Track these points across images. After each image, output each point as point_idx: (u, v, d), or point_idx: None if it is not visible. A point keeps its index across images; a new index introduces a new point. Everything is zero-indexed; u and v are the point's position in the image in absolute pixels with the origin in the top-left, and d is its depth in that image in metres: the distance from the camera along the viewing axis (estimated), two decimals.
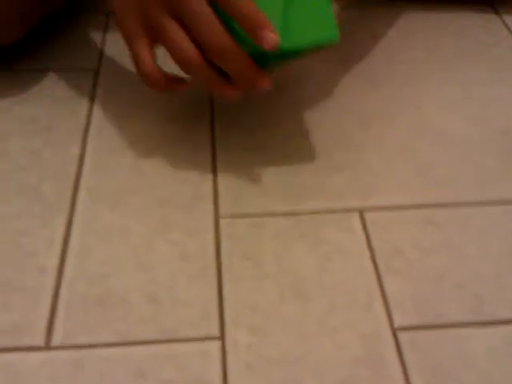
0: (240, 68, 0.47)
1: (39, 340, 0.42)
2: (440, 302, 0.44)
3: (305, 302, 0.44)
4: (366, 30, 0.70)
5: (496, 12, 0.73)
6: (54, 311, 0.43)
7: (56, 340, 0.42)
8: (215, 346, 0.42)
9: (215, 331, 0.42)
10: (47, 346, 0.41)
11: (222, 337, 0.42)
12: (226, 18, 0.47)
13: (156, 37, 0.49)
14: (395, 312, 0.44)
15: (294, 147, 0.56)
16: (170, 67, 0.57)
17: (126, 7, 0.49)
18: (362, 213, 0.50)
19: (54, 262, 0.46)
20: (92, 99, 0.61)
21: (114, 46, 0.68)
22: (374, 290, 0.45)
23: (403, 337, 0.42)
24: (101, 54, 0.67)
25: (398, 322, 0.43)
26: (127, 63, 0.65)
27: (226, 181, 0.53)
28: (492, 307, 0.44)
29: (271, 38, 0.45)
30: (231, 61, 0.47)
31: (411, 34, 0.70)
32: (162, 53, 0.61)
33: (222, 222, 0.50)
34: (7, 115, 0.59)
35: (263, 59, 0.48)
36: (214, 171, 0.54)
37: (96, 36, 0.69)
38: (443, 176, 0.53)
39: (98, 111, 0.59)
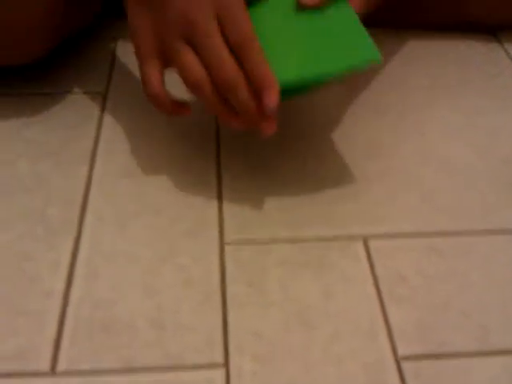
0: (245, 105, 0.48)
1: (44, 365, 0.42)
2: (444, 330, 0.44)
3: (309, 330, 0.44)
4: None
5: (498, 41, 0.73)
6: (59, 336, 0.43)
7: (61, 365, 0.42)
8: (220, 373, 0.42)
9: (220, 358, 0.43)
10: (53, 372, 0.41)
11: (226, 364, 0.42)
12: None
13: (168, 59, 0.50)
14: (399, 341, 0.44)
15: (299, 174, 0.56)
16: (181, 91, 0.58)
17: (141, 26, 0.50)
18: (366, 240, 0.51)
19: (59, 286, 0.47)
20: (100, 123, 0.61)
21: (122, 71, 0.68)
22: (377, 317, 0.45)
23: (407, 366, 0.42)
24: (109, 78, 0.67)
25: (401, 351, 0.43)
26: (135, 87, 0.66)
27: (231, 206, 0.53)
28: (497, 337, 0.44)
29: (271, 102, 0.46)
30: (236, 96, 0.47)
31: (415, 61, 0.71)
32: (174, 78, 0.62)
33: (227, 248, 0.50)
34: (15, 138, 0.59)
35: (286, 94, 0.48)
36: (220, 197, 0.54)
37: (104, 60, 0.70)
38: (447, 204, 0.54)
39: (105, 135, 0.60)
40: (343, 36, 0.48)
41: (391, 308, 0.46)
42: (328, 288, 0.47)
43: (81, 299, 0.46)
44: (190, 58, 0.48)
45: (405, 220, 0.52)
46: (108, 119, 0.62)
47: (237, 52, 0.47)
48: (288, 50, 0.48)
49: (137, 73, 0.68)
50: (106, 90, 0.66)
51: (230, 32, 0.47)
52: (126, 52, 0.71)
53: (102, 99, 0.64)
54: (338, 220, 0.52)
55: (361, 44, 0.47)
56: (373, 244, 0.50)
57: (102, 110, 0.63)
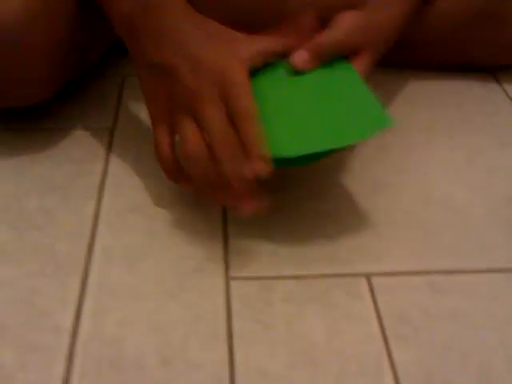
0: (226, 185, 0.48)
1: None
2: (446, 370, 0.45)
3: (315, 369, 0.45)
4: None
5: (497, 81, 0.75)
6: (68, 373, 0.44)
7: None
8: None
9: None
10: None
11: None
12: None
13: (175, 129, 0.52)
14: (403, 380, 0.44)
15: (304, 211, 0.57)
16: None
17: (152, 92, 0.52)
18: (369, 278, 0.52)
19: (68, 322, 0.47)
20: (107, 158, 0.63)
21: (129, 106, 0.70)
22: (382, 356, 0.46)
23: None
24: (116, 113, 0.69)
25: None
26: (142, 123, 0.67)
27: (236, 243, 0.54)
28: (498, 376, 0.45)
29: (257, 167, 0.47)
30: (222, 176, 0.48)
31: (415, 100, 0.72)
32: None
33: (233, 283, 0.51)
34: (23, 174, 0.60)
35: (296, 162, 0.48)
36: (225, 233, 0.55)
37: (111, 96, 0.71)
38: (449, 243, 0.55)
39: (112, 170, 0.61)
40: (350, 104, 0.46)
41: (395, 347, 0.46)
42: (333, 326, 0.48)
43: (89, 335, 0.46)
44: (190, 130, 0.49)
45: (408, 258, 0.53)
46: (115, 155, 0.63)
47: (236, 125, 0.48)
48: (292, 123, 0.47)
49: (144, 109, 0.69)
50: (113, 126, 0.67)
51: (231, 108, 0.48)
52: (132, 88, 0.73)
53: (110, 135, 0.66)
54: (342, 257, 0.53)
55: (370, 112, 0.45)
56: (376, 281, 0.51)
57: (110, 145, 0.64)
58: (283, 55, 0.52)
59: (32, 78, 0.58)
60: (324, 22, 0.55)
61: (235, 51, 0.50)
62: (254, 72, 0.50)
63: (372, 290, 0.51)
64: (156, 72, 0.51)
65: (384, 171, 0.62)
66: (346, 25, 0.54)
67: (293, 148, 0.45)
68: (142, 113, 0.69)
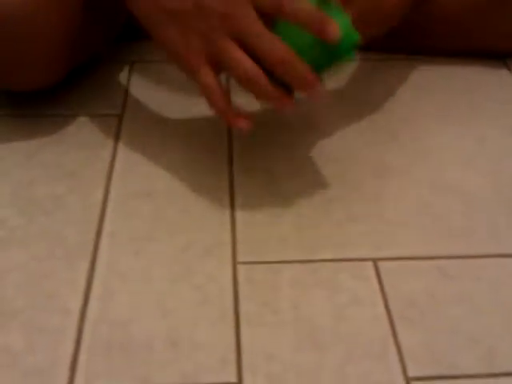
0: (301, 75, 0.49)
1: (62, 382, 0.43)
2: (453, 353, 0.45)
3: (321, 351, 0.45)
4: (382, 84, 0.72)
5: (508, 67, 0.75)
6: (76, 354, 0.44)
7: (78, 383, 0.43)
8: None
9: (233, 377, 0.43)
10: None
11: (239, 383, 0.43)
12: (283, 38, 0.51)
13: (218, 62, 0.51)
14: (409, 362, 0.44)
15: (311, 197, 0.57)
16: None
17: (178, 40, 0.51)
18: (375, 262, 0.52)
19: (77, 305, 0.48)
20: (115, 145, 0.63)
21: (138, 93, 0.70)
22: (388, 339, 0.46)
23: None
24: (124, 100, 0.69)
25: (411, 373, 0.44)
26: (150, 109, 0.68)
27: (244, 228, 0.54)
28: (504, 360, 0.45)
29: (334, 32, 0.49)
30: (293, 70, 0.49)
31: (425, 87, 0.72)
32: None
33: (240, 267, 0.51)
34: (32, 161, 0.61)
35: (319, 66, 0.51)
36: (233, 218, 0.55)
37: (120, 82, 0.71)
38: (457, 228, 0.55)
39: (121, 157, 0.61)
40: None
41: (401, 330, 0.47)
42: (339, 309, 0.48)
43: (97, 318, 0.47)
44: (240, 55, 0.49)
45: (415, 243, 0.53)
46: (124, 141, 0.63)
47: (287, 17, 0.49)
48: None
49: (152, 94, 0.70)
50: (122, 112, 0.67)
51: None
52: (141, 74, 0.73)
53: (118, 121, 0.66)
54: (349, 242, 0.53)
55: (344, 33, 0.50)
56: (382, 266, 0.51)
57: (118, 131, 0.65)
58: None
59: (39, 63, 0.59)
60: None
61: None
62: None
63: (379, 275, 0.51)
64: (176, 17, 0.51)
65: (393, 157, 0.62)
66: None
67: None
68: (151, 99, 0.69)
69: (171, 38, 0.52)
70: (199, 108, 0.68)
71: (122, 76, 0.73)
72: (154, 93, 0.70)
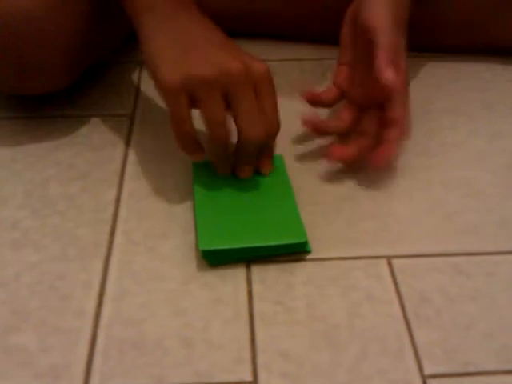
0: (254, 157, 0.53)
1: (77, 382, 0.43)
2: (468, 350, 0.45)
3: (336, 349, 0.45)
4: None
5: None
6: (91, 354, 0.44)
7: (93, 382, 0.43)
8: None
9: (248, 376, 0.43)
10: None
11: (254, 382, 0.43)
12: None
13: (195, 99, 0.51)
14: (425, 360, 0.44)
15: (323, 194, 0.57)
16: None
17: (170, 60, 0.51)
18: (389, 260, 0.51)
19: (90, 305, 0.48)
20: (127, 145, 0.63)
21: (148, 93, 0.70)
22: (403, 337, 0.46)
23: None
24: (135, 100, 0.69)
25: (427, 370, 0.44)
26: (161, 109, 0.68)
27: None
28: None
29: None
30: (254, 151, 0.52)
31: (437, 84, 0.72)
32: None
33: (253, 267, 0.51)
34: (45, 161, 0.61)
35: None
36: None
37: (130, 83, 0.72)
38: (470, 225, 0.54)
39: (133, 157, 0.61)
40: (277, 216, 0.52)
41: (417, 328, 0.46)
42: (353, 307, 0.48)
43: (112, 318, 0.47)
44: (220, 104, 0.50)
45: (428, 240, 0.53)
46: (135, 141, 0.63)
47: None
48: (222, 223, 0.52)
49: None
50: (133, 113, 0.67)
51: (265, 104, 0.52)
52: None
53: (129, 121, 0.66)
54: (361, 240, 0.53)
55: (290, 226, 0.52)
56: (396, 263, 0.51)
57: (129, 131, 0.65)
58: None
59: (51, 66, 0.59)
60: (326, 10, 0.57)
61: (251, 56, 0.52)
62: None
63: (393, 272, 0.50)
64: (180, 45, 0.51)
65: (405, 154, 0.62)
66: (383, 24, 0.55)
67: (215, 243, 0.50)
68: (161, 99, 0.69)
69: (160, 53, 0.51)
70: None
71: (133, 77, 0.73)
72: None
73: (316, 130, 0.59)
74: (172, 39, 0.52)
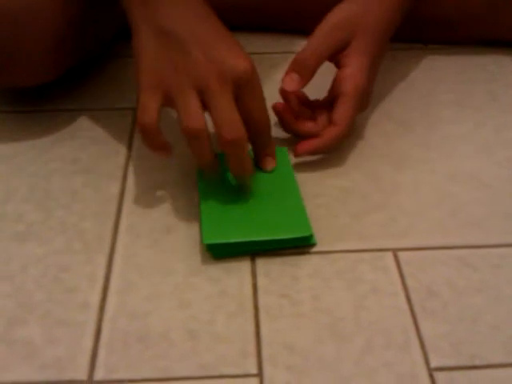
0: (242, 159, 0.50)
1: (82, 374, 0.43)
2: (475, 343, 0.45)
3: (342, 342, 0.45)
4: (398, 73, 0.72)
5: None
6: (96, 346, 0.44)
7: (98, 374, 0.43)
8: (253, 383, 0.42)
9: (253, 369, 0.43)
10: (90, 381, 0.42)
11: (260, 374, 0.43)
12: None
13: (170, 97, 0.50)
14: (431, 353, 0.44)
15: (328, 188, 0.57)
16: None
17: (150, 53, 0.50)
18: (395, 253, 0.51)
19: (95, 298, 0.48)
20: (131, 138, 0.63)
21: None
22: (409, 330, 0.45)
23: (440, 377, 0.43)
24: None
25: (434, 363, 0.43)
26: None
27: None
28: None
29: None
30: (238, 154, 0.50)
31: (442, 76, 0.71)
32: None
33: (258, 260, 0.51)
34: (48, 155, 0.61)
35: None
36: None
37: (133, 77, 0.71)
38: (477, 218, 0.54)
39: (136, 150, 0.61)
40: (282, 210, 0.52)
41: (423, 320, 0.46)
42: (359, 300, 0.47)
43: (116, 311, 0.47)
44: (194, 106, 0.49)
45: (434, 232, 0.53)
46: (139, 135, 0.63)
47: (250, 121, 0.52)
48: (226, 217, 0.51)
49: None
50: (136, 106, 0.67)
51: (248, 104, 0.51)
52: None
53: (133, 115, 0.66)
54: (367, 233, 0.53)
55: (295, 219, 0.51)
56: (402, 256, 0.51)
57: (133, 125, 0.65)
58: None
59: (40, 56, 0.58)
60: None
61: (246, 55, 0.51)
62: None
63: (399, 265, 0.50)
64: (164, 40, 0.50)
65: (410, 147, 0.62)
66: (324, 28, 0.57)
67: (219, 237, 0.50)
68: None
69: (148, 50, 0.51)
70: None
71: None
72: None
73: (286, 126, 0.59)
74: (155, 33, 0.51)
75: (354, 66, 0.56)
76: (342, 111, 0.56)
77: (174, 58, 0.50)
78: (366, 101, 0.59)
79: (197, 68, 0.49)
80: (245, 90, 0.50)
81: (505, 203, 0.55)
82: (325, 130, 0.57)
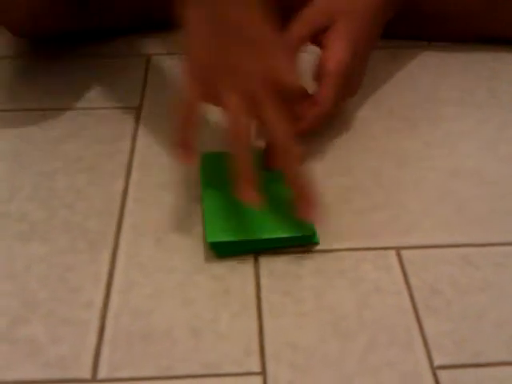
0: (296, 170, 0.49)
1: (86, 373, 0.43)
2: (478, 341, 0.45)
3: (345, 340, 0.45)
4: (401, 70, 0.72)
5: None
6: (99, 345, 0.44)
7: (102, 373, 0.43)
8: (257, 381, 0.42)
9: (256, 367, 0.43)
10: (93, 379, 0.42)
11: (263, 372, 0.43)
12: None
13: (214, 96, 0.49)
14: (434, 351, 0.44)
15: (330, 186, 0.57)
16: None
17: (203, 47, 0.49)
18: (398, 251, 0.51)
19: (99, 296, 0.48)
20: (134, 137, 0.63)
21: (155, 85, 0.70)
22: (413, 328, 0.45)
23: (443, 375, 0.43)
24: (142, 92, 0.69)
25: (437, 361, 0.43)
26: (168, 102, 0.67)
27: None
28: None
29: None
30: (295, 164, 0.49)
31: (445, 74, 0.71)
32: None
33: (261, 258, 0.51)
34: (52, 154, 0.61)
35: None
36: None
37: (137, 75, 0.71)
38: (480, 215, 0.54)
39: (140, 149, 0.61)
40: (286, 209, 0.51)
41: (426, 318, 0.46)
42: (362, 298, 0.47)
43: (120, 309, 0.47)
44: (242, 108, 0.48)
45: (437, 231, 0.53)
46: (142, 133, 0.63)
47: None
48: (232, 216, 0.51)
49: (169, 87, 0.69)
50: (140, 105, 0.67)
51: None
52: (158, 67, 0.73)
53: (136, 114, 0.66)
54: (369, 231, 0.53)
55: (299, 220, 0.50)
56: (406, 254, 0.51)
57: (137, 124, 0.65)
58: None
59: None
60: None
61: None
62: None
63: (402, 263, 0.50)
64: (219, 28, 0.48)
65: (412, 144, 0.61)
66: (306, 11, 0.57)
67: (223, 236, 0.50)
68: (168, 91, 0.69)
69: (200, 39, 0.49)
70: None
71: (140, 69, 0.73)
72: (171, 85, 0.70)
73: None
74: (209, 25, 0.48)
75: (334, 48, 0.56)
76: (322, 90, 0.56)
77: (227, 51, 0.48)
78: (354, 86, 0.59)
79: (249, 73, 0.48)
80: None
81: (508, 200, 0.55)
82: (307, 110, 0.57)
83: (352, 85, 0.59)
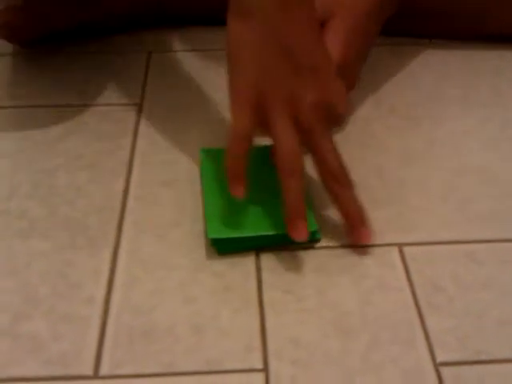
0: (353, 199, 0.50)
1: (87, 369, 0.43)
2: (481, 338, 0.44)
3: (347, 337, 0.44)
4: (403, 69, 0.72)
5: None
6: (101, 341, 0.44)
7: (104, 370, 0.43)
8: (259, 378, 0.42)
9: (258, 363, 0.43)
10: (95, 376, 0.42)
11: (265, 369, 0.43)
12: None
13: (265, 123, 0.48)
14: (437, 348, 0.44)
15: None
16: None
17: (253, 67, 0.46)
18: (401, 248, 0.51)
19: (100, 293, 0.47)
20: (135, 134, 0.63)
21: (156, 82, 0.70)
22: (415, 325, 0.45)
23: (445, 372, 0.42)
24: (143, 89, 0.69)
25: (440, 358, 0.43)
26: (169, 99, 0.67)
27: None
28: None
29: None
30: (343, 192, 0.49)
31: (448, 72, 0.71)
32: None
33: (263, 255, 0.51)
34: (52, 151, 0.61)
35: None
36: None
37: (138, 72, 0.71)
38: (483, 212, 0.54)
39: (141, 146, 0.61)
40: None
41: (428, 315, 0.46)
42: (365, 295, 0.47)
43: (121, 306, 0.47)
44: (295, 140, 0.47)
45: (440, 228, 0.52)
46: (143, 130, 0.63)
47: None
48: (233, 212, 0.51)
49: (170, 83, 0.69)
50: (141, 102, 0.67)
51: None
52: (159, 64, 0.73)
53: (137, 111, 0.66)
54: (373, 228, 0.52)
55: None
56: (408, 251, 0.51)
57: (138, 121, 0.64)
58: None
59: None
60: None
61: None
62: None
63: (404, 260, 0.50)
64: (271, 36, 0.46)
65: (415, 142, 0.61)
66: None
67: (224, 232, 0.50)
68: (169, 88, 0.69)
69: (246, 57, 0.47)
70: (218, 96, 0.67)
71: (140, 66, 0.73)
72: (172, 82, 0.70)
73: None
74: (263, 44, 0.46)
75: (332, 41, 0.56)
76: None
77: (283, 76, 0.46)
78: (350, 81, 0.58)
79: (302, 99, 0.47)
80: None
81: (510, 198, 0.55)
82: None
83: (349, 80, 0.59)
